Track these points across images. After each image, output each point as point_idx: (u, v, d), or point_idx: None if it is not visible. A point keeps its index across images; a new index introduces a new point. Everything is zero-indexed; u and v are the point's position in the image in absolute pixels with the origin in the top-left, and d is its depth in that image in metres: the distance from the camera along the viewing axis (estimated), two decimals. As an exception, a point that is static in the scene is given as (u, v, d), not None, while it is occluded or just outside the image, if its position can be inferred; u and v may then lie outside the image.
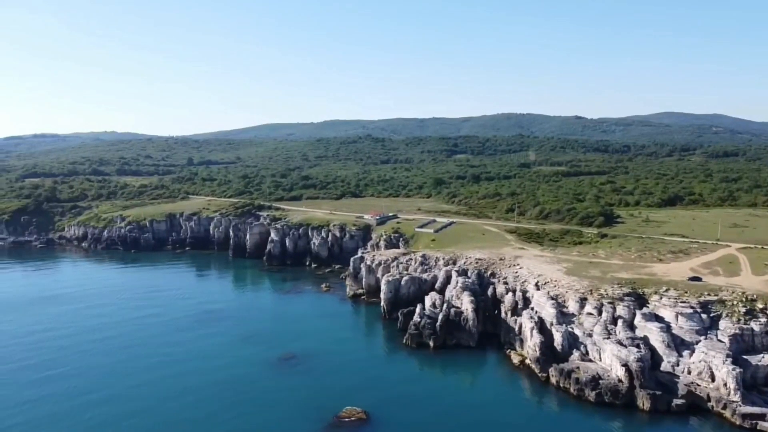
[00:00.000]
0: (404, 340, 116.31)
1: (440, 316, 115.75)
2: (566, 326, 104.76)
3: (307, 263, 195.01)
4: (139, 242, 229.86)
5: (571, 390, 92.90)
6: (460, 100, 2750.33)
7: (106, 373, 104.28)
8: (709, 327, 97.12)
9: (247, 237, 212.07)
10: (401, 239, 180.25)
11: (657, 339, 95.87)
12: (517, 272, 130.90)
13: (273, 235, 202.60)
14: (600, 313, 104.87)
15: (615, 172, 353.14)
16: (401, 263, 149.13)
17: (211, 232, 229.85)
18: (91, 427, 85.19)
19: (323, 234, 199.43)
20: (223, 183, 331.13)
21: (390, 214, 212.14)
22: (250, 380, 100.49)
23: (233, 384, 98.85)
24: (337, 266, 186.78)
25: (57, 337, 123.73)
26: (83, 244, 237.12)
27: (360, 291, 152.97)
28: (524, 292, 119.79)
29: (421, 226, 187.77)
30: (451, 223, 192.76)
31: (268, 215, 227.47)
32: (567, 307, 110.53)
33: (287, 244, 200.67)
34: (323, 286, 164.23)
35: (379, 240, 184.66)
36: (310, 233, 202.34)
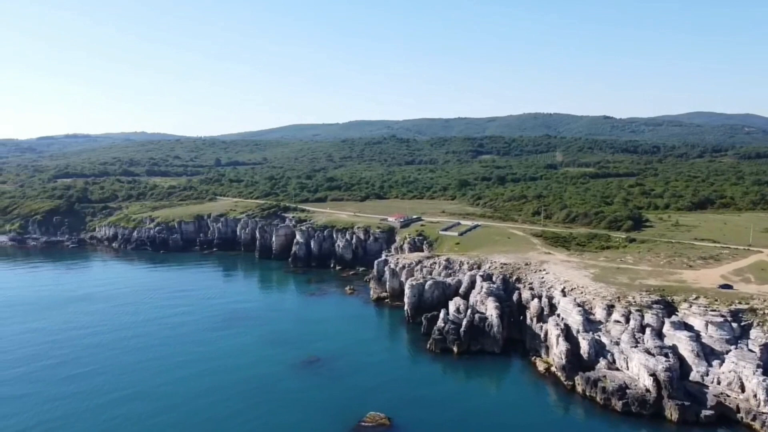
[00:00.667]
0: (428, 345, 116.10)
1: (464, 322, 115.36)
2: (593, 334, 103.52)
3: (332, 265, 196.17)
4: (167, 243, 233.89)
5: (598, 399, 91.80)
6: (485, 100, 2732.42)
7: (134, 371, 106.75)
8: (740, 336, 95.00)
9: (273, 239, 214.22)
10: (425, 242, 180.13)
11: (686, 348, 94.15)
12: (543, 278, 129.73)
13: (298, 237, 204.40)
14: (628, 320, 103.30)
15: (644, 174, 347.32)
16: (425, 267, 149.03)
17: (238, 233, 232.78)
18: (118, 424, 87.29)
19: (347, 236, 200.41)
20: (250, 184, 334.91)
21: (414, 217, 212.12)
22: (274, 382, 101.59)
23: (257, 385, 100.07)
24: (361, 268, 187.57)
25: (88, 335, 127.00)
26: (113, 245, 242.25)
27: (384, 294, 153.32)
28: (550, 298, 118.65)
29: (446, 229, 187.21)
30: (475, 226, 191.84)
31: (293, 217, 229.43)
32: (594, 315, 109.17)
33: (312, 245, 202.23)
34: (347, 288, 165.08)
35: (403, 243, 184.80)
36: (334, 235, 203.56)
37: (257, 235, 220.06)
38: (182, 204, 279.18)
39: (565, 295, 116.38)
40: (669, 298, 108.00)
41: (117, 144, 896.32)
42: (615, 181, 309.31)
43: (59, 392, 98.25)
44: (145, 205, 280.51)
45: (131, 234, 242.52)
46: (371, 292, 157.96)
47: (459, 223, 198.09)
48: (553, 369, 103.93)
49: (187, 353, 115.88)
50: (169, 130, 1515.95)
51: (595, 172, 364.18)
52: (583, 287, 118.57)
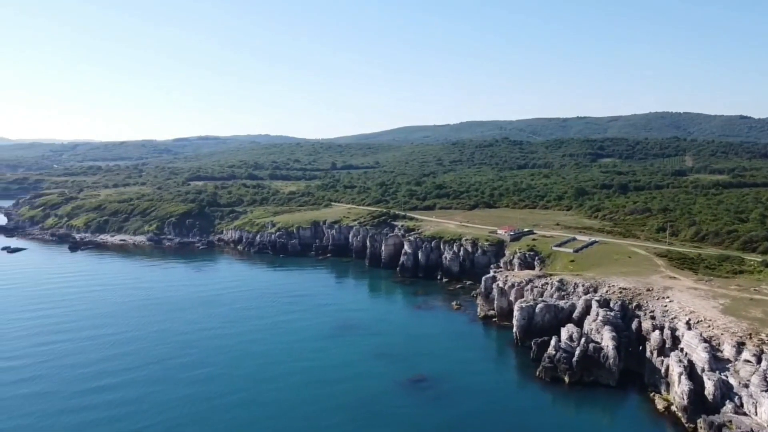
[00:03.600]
0: (537, 373, 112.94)
1: (577, 351, 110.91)
2: (719, 373, 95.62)
3: (438, 277, 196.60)
4: (286, 247, 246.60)
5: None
6: (607, 98, 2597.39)
7: (245, 376, 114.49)
8: None
9: (383, 247, 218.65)
10: (537, 258, 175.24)
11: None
12: (666, 306, 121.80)
13: (406, 247, 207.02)
14: (759, 361, 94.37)
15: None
16: (536, 287, 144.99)
17: (350, 240, 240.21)
18: (227, 419, 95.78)
19: (455, 248, 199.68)
20: (363, 191, 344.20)
21: (525, 230, 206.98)
22: (379, 399, 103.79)
23: (364, 401, 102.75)
24: (468, 282, 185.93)
25: (209, 337, 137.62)
26: (238, 247, 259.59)
27: (491, 312, 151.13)
28: (673, 330, 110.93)
29: (560, 245, 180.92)
30: (593, 242, 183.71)
31: (402, 225, 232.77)
32: (721, 352, 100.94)
33: (419, 256, 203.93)
34: (454, 303, 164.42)
35: (513, 257, 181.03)
36: (441, 247, 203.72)
37: (368, 243, 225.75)
38: (300, 210, 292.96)
39: (690, 328, 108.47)
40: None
41: (243, 147, 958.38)
42: (751, 192, 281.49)
43: (181, 380, 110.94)
44: (267, 209, 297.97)
45: (254, 238, 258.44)
46: (478, 309, 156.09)
47: (574, 239, 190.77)
48: (673, 408, 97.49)
49: (298, 361, 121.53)
50: (290, 133, 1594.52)
51: (729, 180, 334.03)
52: (710, 320, 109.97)
